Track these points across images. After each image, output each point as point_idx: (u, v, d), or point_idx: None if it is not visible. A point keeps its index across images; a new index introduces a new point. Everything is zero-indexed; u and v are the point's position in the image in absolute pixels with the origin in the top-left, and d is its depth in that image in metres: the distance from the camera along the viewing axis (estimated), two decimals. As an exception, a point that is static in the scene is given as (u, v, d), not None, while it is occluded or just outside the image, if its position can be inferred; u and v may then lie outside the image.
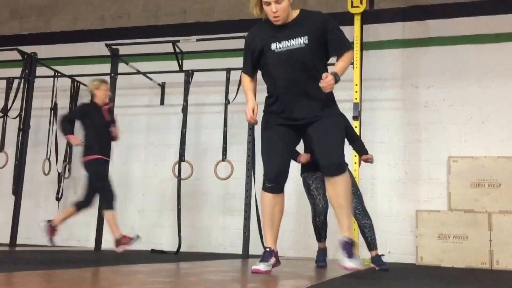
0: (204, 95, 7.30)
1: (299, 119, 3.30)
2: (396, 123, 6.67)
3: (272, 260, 3.34)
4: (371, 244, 4.41)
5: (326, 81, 3.10)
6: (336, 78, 3.15)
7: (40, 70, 7.25)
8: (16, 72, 7.21)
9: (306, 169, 4.58)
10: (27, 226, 7.38)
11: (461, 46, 6.65)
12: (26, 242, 7.38)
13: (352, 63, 5.78)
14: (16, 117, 7.04)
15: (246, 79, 3.49)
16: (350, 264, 3.04)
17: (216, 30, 7.31)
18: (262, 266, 3.27)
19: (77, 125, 5.76)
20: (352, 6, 6.05)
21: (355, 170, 5.63)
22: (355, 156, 5.65)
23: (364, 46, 6.28)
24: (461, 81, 6.57)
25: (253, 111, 3.35)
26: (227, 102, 6.47)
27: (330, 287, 2.72)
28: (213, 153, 6.89)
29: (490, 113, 6.42)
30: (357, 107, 5.81)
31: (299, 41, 3.24)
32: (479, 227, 5.76)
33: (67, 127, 5.57)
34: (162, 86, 7.51)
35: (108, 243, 6.48)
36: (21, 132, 7.01)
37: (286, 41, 3.26)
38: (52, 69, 7.33)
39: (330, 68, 3.37)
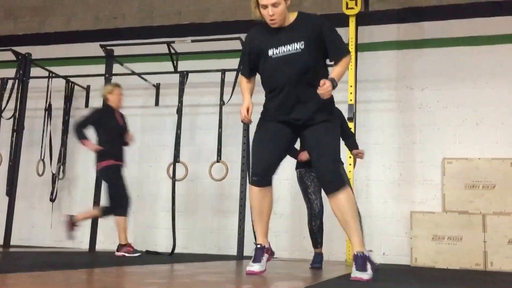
0: (199, 96, 7.30)
1: (295, 120, 3.31)
2: (390, 125, 6.68)
3: (265, 257, 3.35)
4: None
5: (323, 88, 3.11)
6: (334, 84, 3.17)
7: (35, 71, 7.23)
8: (10, 72, 7.18)
9: (301, 164, 4.59)
10: (21, 227, 7.37)
11: (455, 48, 6.67)
12: (20, 243, 7.36)
13: (347, 65, 5.79)
14: (10, 117, 7.01)
15: (243, 80, 3.53)
16: (358, 275, 3.04)
17: (211, 31, 7.30)
18: (256, 267, 3.28)
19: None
20: (347, 8, 6.06)
21: (349, 171, 5.64)
22: (350, 157, 5.67)
23: (358, 47, 6.30)
24: (456, 83, 6.59)
25: (247, 111, 3.37)
26: (222, 103, 6.47)
27: (325, 288, 2.72)
28: (208, 154, 6.89)
29: (484, 115, 6.44)
30: (352, 109, 5.80)
31: (295, 46, 3.25)
32: (473, 228, 5.78)
33: (82, 133, 5.51)
34: (157, 87, 7.50)
35: (102, 244, 6.47)
36: (15, 133, 6.97)
37: (283, 47, 3.27)
38: (46, 69, 7.31)
39: (330, 69, 3.38)
